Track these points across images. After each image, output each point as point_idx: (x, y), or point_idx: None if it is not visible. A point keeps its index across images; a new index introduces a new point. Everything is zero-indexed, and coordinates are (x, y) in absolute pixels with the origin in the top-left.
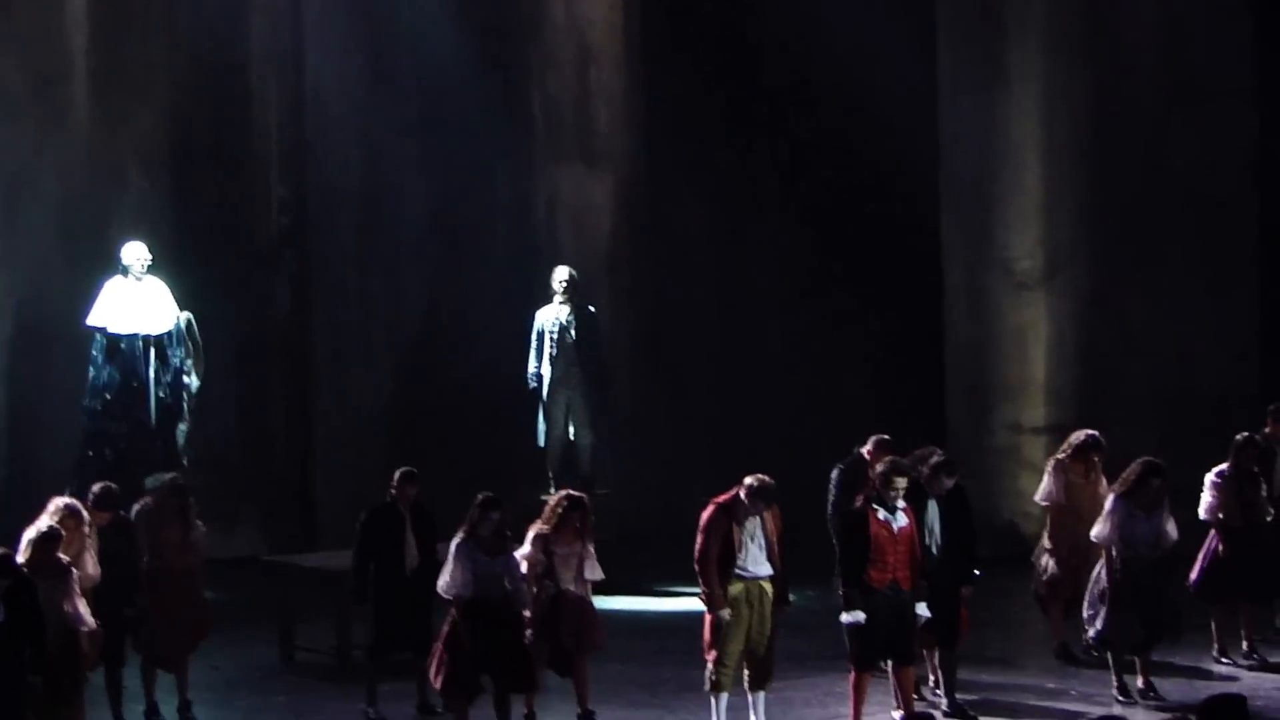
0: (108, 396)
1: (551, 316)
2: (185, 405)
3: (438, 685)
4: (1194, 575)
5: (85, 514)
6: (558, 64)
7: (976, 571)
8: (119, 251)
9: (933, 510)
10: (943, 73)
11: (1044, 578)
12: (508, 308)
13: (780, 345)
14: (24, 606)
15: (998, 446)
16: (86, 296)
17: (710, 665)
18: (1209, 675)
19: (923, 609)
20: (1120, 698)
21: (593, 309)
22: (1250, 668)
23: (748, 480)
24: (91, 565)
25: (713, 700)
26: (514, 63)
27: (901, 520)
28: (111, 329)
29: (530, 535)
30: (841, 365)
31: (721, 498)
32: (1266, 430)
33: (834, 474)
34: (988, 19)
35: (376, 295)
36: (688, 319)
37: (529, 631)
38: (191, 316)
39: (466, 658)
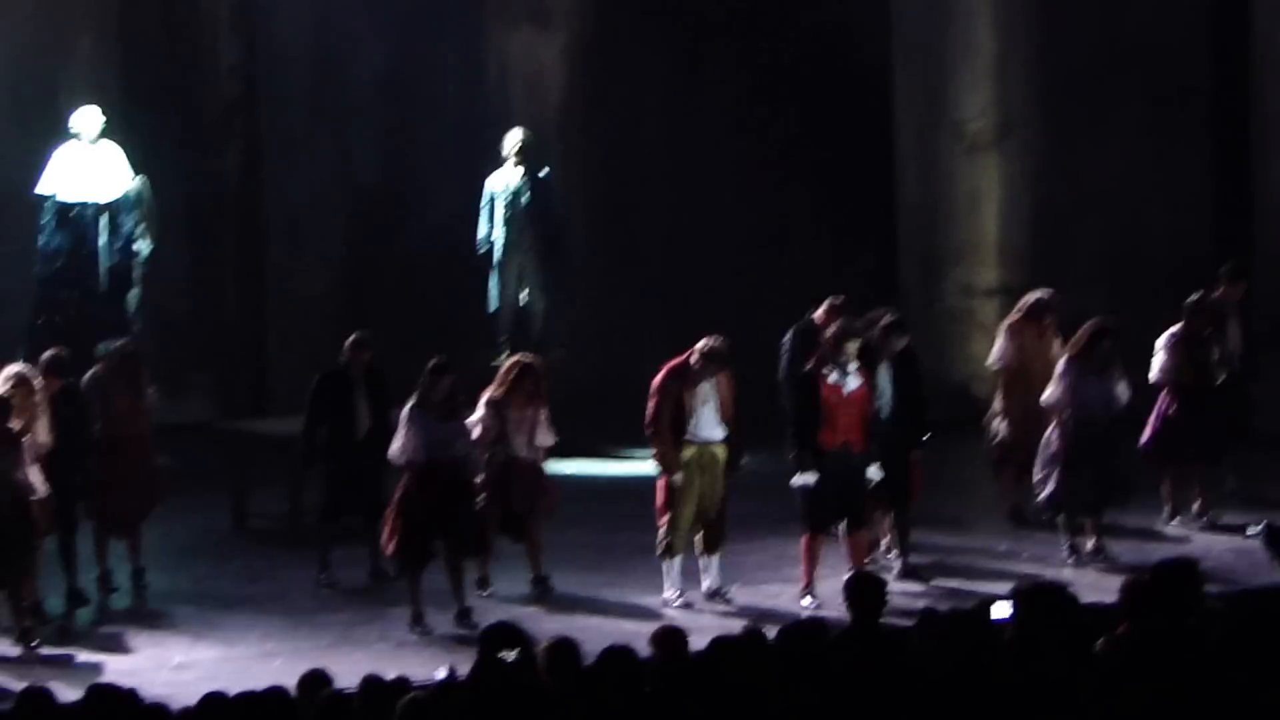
0: (58, 264)
1: (504, 181)
2: (136, 271)
3: (390, 550)
4: (1145, 437)
5: (36, 382)
6: None
7: (927, 434)
8: (69, 117)
9: (884, 373)
10: None
11: (996, 441)
12: (459, 172)
13: (732, 207)
14: None
15: (950, 309)
16: (37, 163)
17: (663, 529)
18: (1160, 537)
19: (874, 471)
20: (1071, 559)
21: (545, 172)
22: (1201, 529)
23: (700, 343)
24: (43, 433)
25: (665, 564)
26: None
27: (853, 383)
28: (61, 196)
29: (483, 400)
30: (794, 228)
31: (674, 361)
32: (1218, 292)
33: (786, 338)
34: None
35: (328, 159)
36: (640, 181)
37: (481, 496)
38: (146, 180)
39: (418, 523)
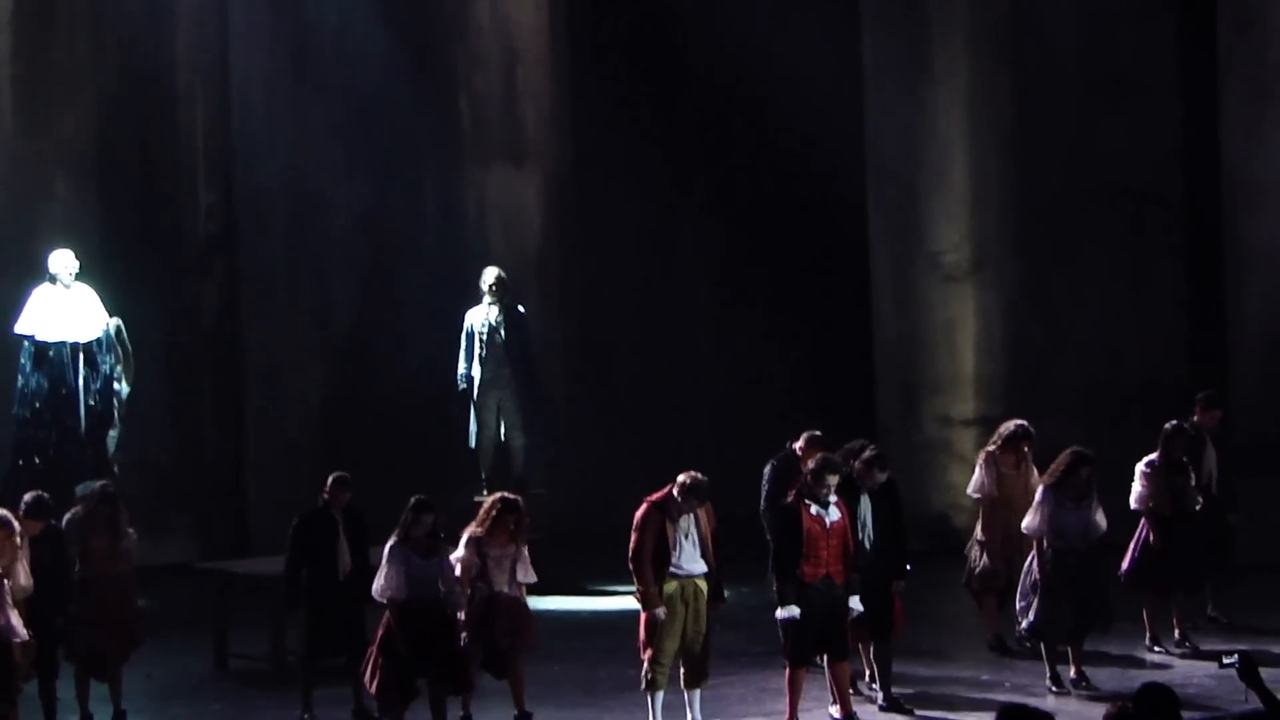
0: (37, 405)
1: (481, 317)
2: (115, 412)
3: (373, 689)
4: (1125, 565)
5: (16, 524)
6: (484, 65)
7: (908, 566)
8: (46, 259)
9: (865, 505)
10: (867, 68)
11: (976, 570)
12: (438, 309)
13: (710, 342)
14: None
15: (928, 440)
16: (14, 304)
17: (646, 664)
18: (1142, 664)
19: (855, 603)
20: (1053, 688)
21: (522, 309)
22: (1182, 655)
23: (681, 478)
24: (23, 576)
25: (649, 698)
26: (440, 64)
27: (834, 514)
28: (39, 336)
29: (464, 538)
30: (771, 361)
31: (655, 496)
32: (1194, 419)
33: (766, 470)
34: (911, 13)
35: (306, 299)
36: (618, 317)
37: (463, 633)
38: (121, 323)
39: (401, 661)
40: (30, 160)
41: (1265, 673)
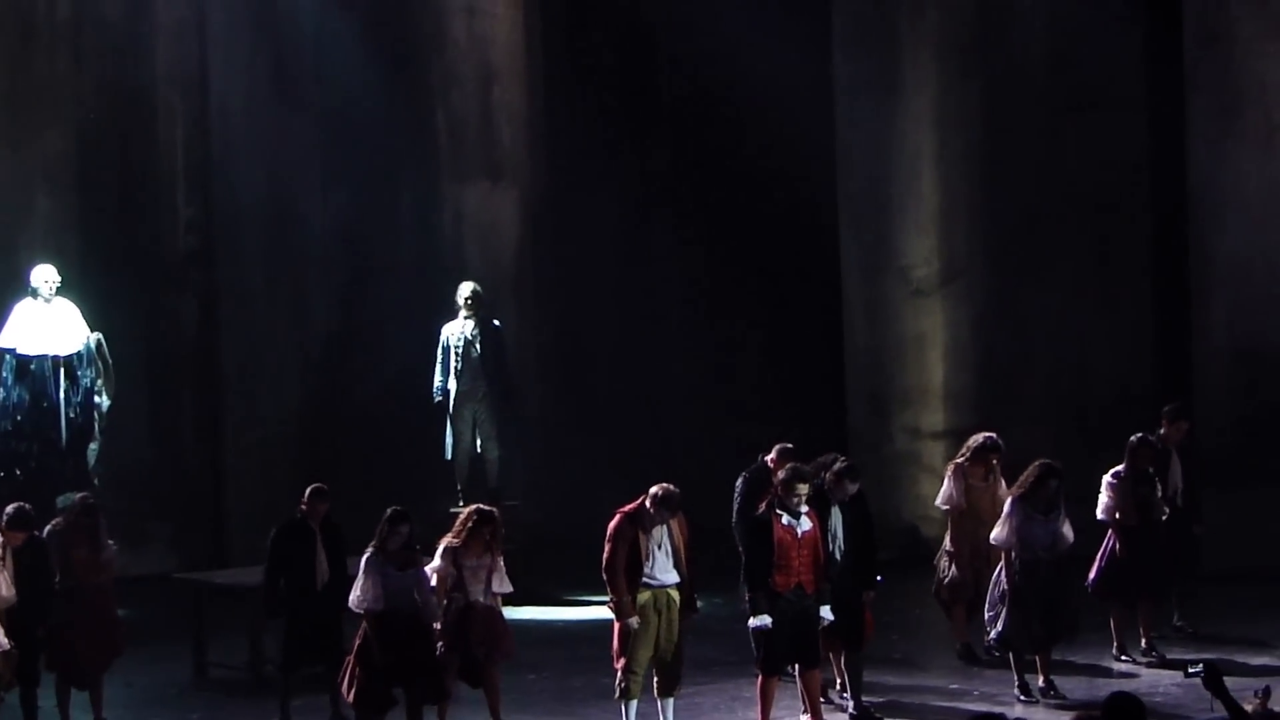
0: (18, 417)
1: (457, 331)
2: (96, 425)
3: (350, 698)
4: (1092, 575)
5: None
6: (460, 82)
7: (878, 576)
8: (27, 273)
9: (836, 516)
10: (838, 82)
11: (945, 580)
12: (415, 323)
13: (684, 355)
14: None
15: (898, 452)
16: None
17: (619, 673)
18: (1109, 673)
19: (826, 612)
20: (1022, 697)
21: (497, 323)
22: (1149, 665)
23: (653, 489)
24: (5, 586)
25: (623, 708)
26: (417, 80)
27: (805, 525)
28: (21, 350)
29: (440, 548)
30: (744, 373)
31: (628, 507)
32: (1161, 431)
33: (739, 482)
34: (881, 29)
35: (284, 312)
36: (592, 331)
37: (439, 643)
38: (102, 337)
39: (378, 670)
40: (11, 175)
41: (1230, 682)
